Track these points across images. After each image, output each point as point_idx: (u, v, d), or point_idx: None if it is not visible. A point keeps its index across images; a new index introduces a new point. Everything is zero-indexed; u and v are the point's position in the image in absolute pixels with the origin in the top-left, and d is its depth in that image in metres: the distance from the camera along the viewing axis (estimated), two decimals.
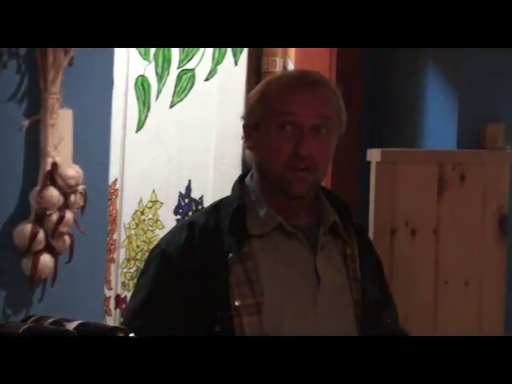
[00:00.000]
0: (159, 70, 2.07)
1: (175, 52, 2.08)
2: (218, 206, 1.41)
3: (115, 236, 2.01)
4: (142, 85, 2.03)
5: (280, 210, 1.35)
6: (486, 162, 2.22)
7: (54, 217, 1.49)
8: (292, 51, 2.20)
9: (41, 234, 1.47)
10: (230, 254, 1.33)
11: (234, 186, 1.44)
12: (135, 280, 1.78)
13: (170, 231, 1.45)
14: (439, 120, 2.35)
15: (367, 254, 1.41)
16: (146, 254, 1.65)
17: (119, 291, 2.04)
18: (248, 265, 1.36)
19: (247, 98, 1.61)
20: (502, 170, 2.22)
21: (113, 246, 1.98)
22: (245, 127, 1.40)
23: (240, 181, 1.41)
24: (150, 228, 2.06)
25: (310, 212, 1.40)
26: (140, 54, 2.00)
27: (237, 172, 2.02)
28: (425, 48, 2.12)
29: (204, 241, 1.37)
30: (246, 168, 1.88)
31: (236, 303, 1.32)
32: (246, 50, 2.19)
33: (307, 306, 1.36)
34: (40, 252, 1.48)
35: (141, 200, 2.02)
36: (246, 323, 1.32)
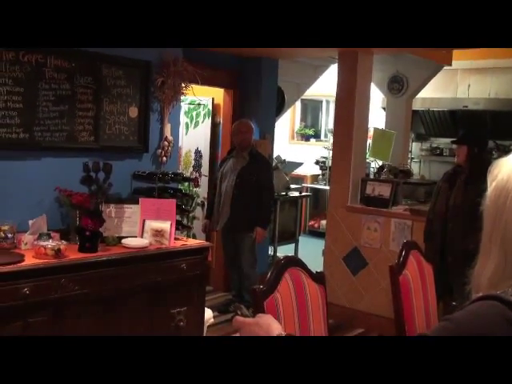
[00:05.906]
0: (189, 120, 6.60)
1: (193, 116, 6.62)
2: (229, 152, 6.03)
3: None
4: (186, 123, 6.57)
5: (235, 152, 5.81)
6: None
7: (165, 146, 5.67)
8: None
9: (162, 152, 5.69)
10: (225, 162, 6.04)
11: (230, 149, 5.91)
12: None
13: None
14: None
15: (255, 166, 5.75)
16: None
17: None
18: (226, 164, 5.98)
19: (232, 129, 6.04)
20: None
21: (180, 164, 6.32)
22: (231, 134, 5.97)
23: (231, 148, 5.89)
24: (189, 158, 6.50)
25: (240, 152, 5.75)
26: (185, 114, 6.53)
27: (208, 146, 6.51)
28: None
29: (224, 159, 6.11)
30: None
31: (220, 169, 5.99)
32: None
33: (230, 175, 5.72)
34: (163, 153, 5.74)
35: (187, 151, 6.52)
36: (219, 177, 5.83)
